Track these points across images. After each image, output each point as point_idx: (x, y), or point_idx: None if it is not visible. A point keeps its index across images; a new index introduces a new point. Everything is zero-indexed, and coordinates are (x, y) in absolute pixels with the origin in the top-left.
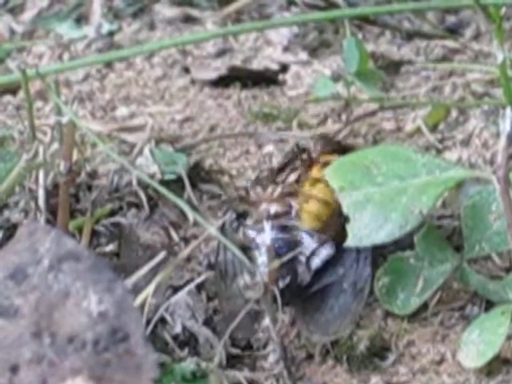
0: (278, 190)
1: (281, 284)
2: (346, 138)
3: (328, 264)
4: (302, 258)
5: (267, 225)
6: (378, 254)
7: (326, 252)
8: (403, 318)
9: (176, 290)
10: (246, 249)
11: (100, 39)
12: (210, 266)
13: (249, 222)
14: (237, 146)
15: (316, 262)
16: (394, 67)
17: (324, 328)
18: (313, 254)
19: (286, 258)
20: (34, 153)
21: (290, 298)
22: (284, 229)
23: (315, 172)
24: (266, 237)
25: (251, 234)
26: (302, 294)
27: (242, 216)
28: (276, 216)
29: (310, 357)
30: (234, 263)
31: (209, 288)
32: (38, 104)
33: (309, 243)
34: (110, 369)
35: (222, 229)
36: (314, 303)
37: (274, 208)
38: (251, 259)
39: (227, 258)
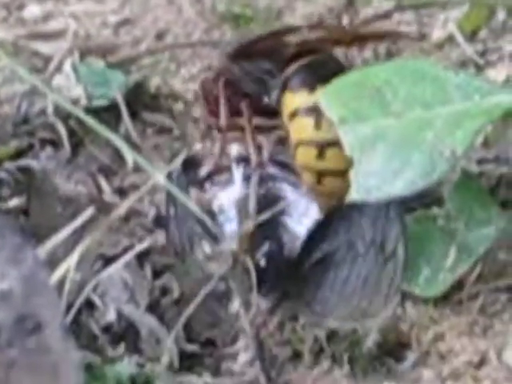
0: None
1: (259, 254)
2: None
3: (327, 224)
4: (287, 220)
5: (237, 172)
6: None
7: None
8: (428, 301)
9: (108, 261)
10: (205, 213)
11: None
12: (157, 228)
13: (205, 170)
14: (195, 59)
15: (306, 224)
16: None
17: (339, 309)
18: (302, 212)
19: (264, 218)
20: None
21: (271, 274)
22: (260, 179)
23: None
24: (234, 189)
25: (211, 190)
26: (290, 268)
27: (194, 163)
28: (245, 160)
29: (296, 356)
30: (190, 225)
31: (155, 259)
32: None
33: (295, 198)
34: (15, 370)
35: (170, 178)
36: (314, 277)
37: (238, 149)
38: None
39: (180, 218)
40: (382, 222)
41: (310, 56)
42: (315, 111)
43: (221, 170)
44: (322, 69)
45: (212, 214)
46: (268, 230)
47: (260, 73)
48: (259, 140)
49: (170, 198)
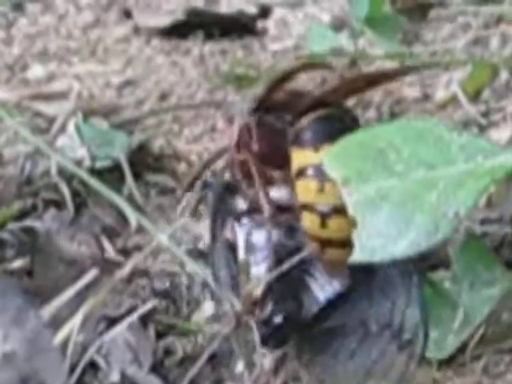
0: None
1: (272, 317)
2: (353, 111)
3: (346, 296)
4: (311, 283)
5: (242, 224)
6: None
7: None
8: (431, 363)
9: (112, 322)
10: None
11: None
12: (160, 293)
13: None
14: (198, 120)
15: (328, 292)
16: (419, 11)
17: (340, 378)
18: (328, 280)
19: (277, 274)
20: None
21: (285, 336)
22: (288, 230)
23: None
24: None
25: (248, 225)
26: (304, 332)
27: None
28: (277, 209)
29: None
30: (196, 284)
31: (159, 320)
32: None
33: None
34: None
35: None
36: (319, 342)
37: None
38: (244, 267)
39: (186, 277)
40: (403, 304)
41: (322, 109)
42: (320, 172)
43: (259, 209)
44: (330, 124)
45: (237, 251)
46: (291, 287)
47: (280, 123)
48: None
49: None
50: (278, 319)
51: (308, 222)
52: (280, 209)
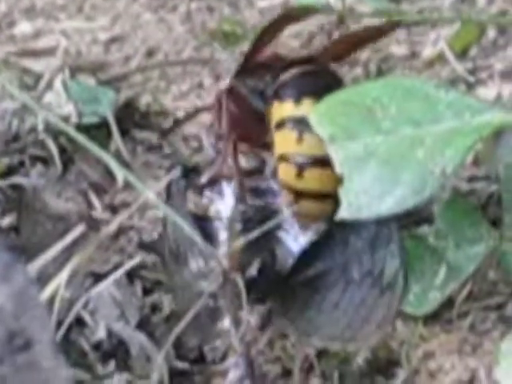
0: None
1: (250, 271)
2: (336, 70)
3: (322, 244)
4: (283, 235)
5: (227, 186)
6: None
7: (315, 228)
8: (418, 319)
9: (99, 278)
10: (204, 219)
11: None
12: (147, 246)
13: (205, 177)
14: (185, 77)
15: (301, 242)
16: None
17: (325, 329)
18: (299, 230)
19: (256, 234)
20: None
21: (262, 290)
22: (256, 193)
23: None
24: (227, 203)
25: (210, 196)
26: (281, 285)
27: (194, 172)
28: (244, 174)
29: (286, 373)
30: (181, 241)
31: (145, 276)
32: None
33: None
34: None
35: (168, 192)
36: (302, 296)
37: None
38: (210, 235)
39: (172, 234)
40: (382, 252)
41: (304, 66)
42: (300, 124)
43: (221, 179)
44: (312, 79)
45: (208, 220)
46: (263, 242)
47: (262, 86)
48: (263, 155)
49: (164, 215)
50: (252, 273)
51: (284, 172)
52: (246, 173)
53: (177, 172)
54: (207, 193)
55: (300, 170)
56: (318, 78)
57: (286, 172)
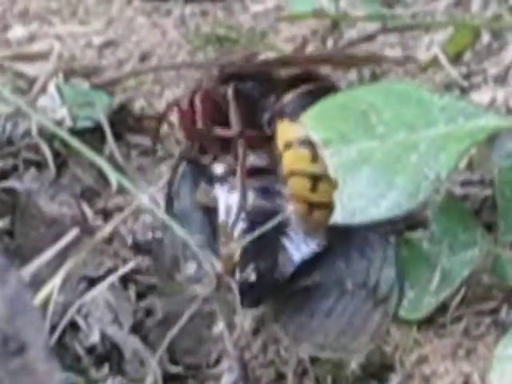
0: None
1: (248, 275)
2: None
3: (323, 256)
4: (287, 243)
5: (220, 187)
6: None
7: (318, 240)
8: (412, 324)
9: (92, 282)
10: (211, 211)
11: None
12: (141, 250)
13: (218, 169)
14: (179, 81)
15: (303, 252)
16: None
17: (317, 336)
18: (303, 240)
19: (255, 236)
20: None
21: (258, 295)
22: (265, 193)
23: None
24: (236, 199)
25: (220, 190)
26: (277, 291)
27: (201, 168)
28: (253, 172)
29: (280, 378)
30: (177, 245)
31: (139, 281)
32: None
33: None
34: None
35: (169, 187)
36: (295, 302)
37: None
38: (217, 228)
39: (168, 237)
40: (379, 264)
41: (306, 83)
42: (311, 143)
43: (234, 174)
44: (318, 99)
45: (215, 213)
46: (266, 247)
47: (253, 92)
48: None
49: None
50: (251, 278)
51: (297, 185)
52: (255, 172)
53: (183, 167)
54: (218, 185)
55: (315, 183)
56: (322, 96)
57: (299, 185)
